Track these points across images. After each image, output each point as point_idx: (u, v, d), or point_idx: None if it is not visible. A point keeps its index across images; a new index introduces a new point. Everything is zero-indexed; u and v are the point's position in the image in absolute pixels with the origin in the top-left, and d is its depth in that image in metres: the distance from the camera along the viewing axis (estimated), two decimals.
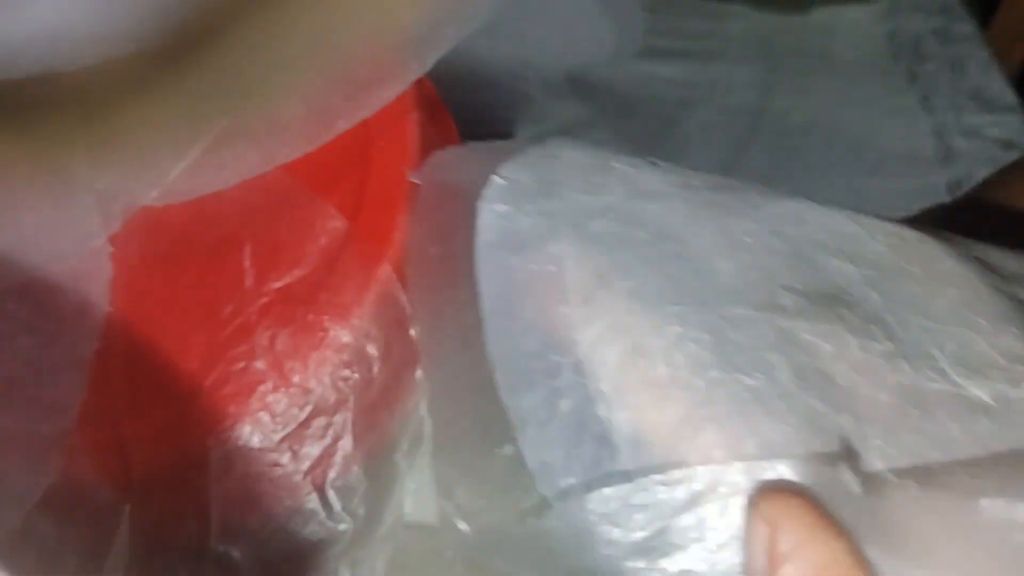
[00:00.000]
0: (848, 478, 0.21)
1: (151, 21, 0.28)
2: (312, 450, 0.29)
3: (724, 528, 0.21)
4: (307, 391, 0.28)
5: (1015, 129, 0.51)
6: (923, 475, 0.22)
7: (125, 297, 0.30)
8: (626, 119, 0.53)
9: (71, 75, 0.28)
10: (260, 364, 0.29)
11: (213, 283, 0.30)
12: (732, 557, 0.21)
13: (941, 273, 0.26)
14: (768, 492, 0.23)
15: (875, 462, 0.22)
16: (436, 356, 0.27)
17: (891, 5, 0.64)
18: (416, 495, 0.32)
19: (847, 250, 0.25)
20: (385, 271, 0.30)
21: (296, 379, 0.28)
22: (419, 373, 0.31)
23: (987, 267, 0.26)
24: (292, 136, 0.30)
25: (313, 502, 0.29)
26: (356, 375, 0.29)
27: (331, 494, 0.29)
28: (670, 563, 0.21)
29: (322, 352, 0.29)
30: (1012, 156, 0.49)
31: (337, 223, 0.31)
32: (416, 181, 0.25)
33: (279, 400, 0.28)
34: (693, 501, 0.21)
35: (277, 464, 0.28)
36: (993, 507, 0.21)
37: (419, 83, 0.32)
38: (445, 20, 0.30)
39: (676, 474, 0.20)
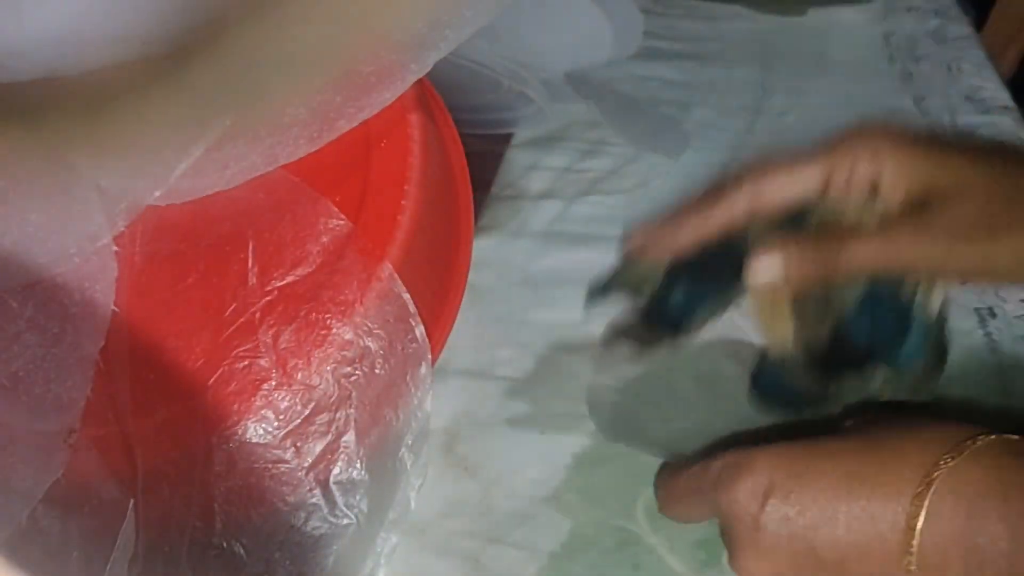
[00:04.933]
0: None
1: (156, 25, 0.28)
2: (315, 446, 0.29)
3: None
4: (310, 388, 0.29)
5: (1009, 130, 0.52)
6: None
7: (130, 296, 0.30)
8: (625, 119, 0.54)
9: (77, 75, 0.29)
10: (264, 361, 0.29)
11: (217, 282, 0.30)
12: None
13: None
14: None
15: None
16: None
17: (886, 7, 0.65)
18: (420, 490, 0.32)
19: None
20: (386, 269, 0.31)
21: (299, 376, 0.29)
22: (423, 369, 0.31)
23: None
24: (294, 136, 0.30)
25: (316, 497, 0.29)
26: (359, 372, 0.29)
27: (334, 489, 0.29)
28: None
29: (325, 349, 0.29)
30: None
31: (339, 222, 0.31)
32: None
33: (282, 397, 0.29)
34: None
35: (280, 460, 0.29)
36: None
37: (419, 84, 0.33)
38: (445, 22, 0.30)
39: None
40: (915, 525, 0.26)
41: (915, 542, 0.26)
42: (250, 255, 0.30)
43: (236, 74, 0.30)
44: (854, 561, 0.27)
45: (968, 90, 0.56)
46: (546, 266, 0.45)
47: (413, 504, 0.32)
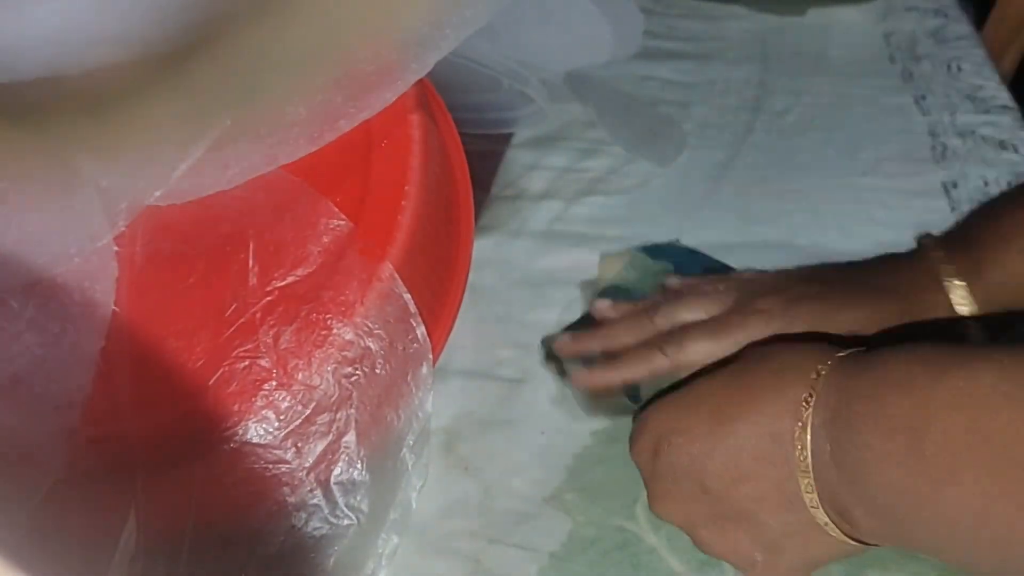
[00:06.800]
0: None
1: (156, 25, 0.28)
2: (316, 446, 0.29)
3: None
4: (311, 388, 0.29)
5: (1009, 129, 0.52)
6: None
7: (130, 296, 0.30)
8: (625, 119, 0.54)
9: (77, 75, 0.29)
10: (264, 362, 0.29)
11: (217, 282, 0.30)
12: None
13: None
14: None
15: None
16: None
17: (887, 6, 0.65)
18: (421, 490, 0.32)
19: None
20: (387, 269, 0.31)
21: (300, 376, 0.29)
22: (424, 369, 0.31)
23: None
24: (295, 136, 0.30)
25: (317, 498, 0.29)
26: (359, 372, 0.29)
27: (335, 490, 0.29)
28: None
29: (325, 350, 0.29)
30: (1006, 155, 0.50)
31: (339, 222, 0.31)
32: None
33: (283, 397, 0.29)
34: None
35: (281, 460, 0.29)
36: None
37: (420, 84, 0.33)
38: (446, 22, 0.30)
39: None
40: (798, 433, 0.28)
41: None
42: (250, 255, 0.30)
43: (236, 74, 0.30)
44: (741, 483, 0.29)
45: (968, 89, 0.56)
46: (546, 266, 0.45)
47: (414, 504, 0.32)
